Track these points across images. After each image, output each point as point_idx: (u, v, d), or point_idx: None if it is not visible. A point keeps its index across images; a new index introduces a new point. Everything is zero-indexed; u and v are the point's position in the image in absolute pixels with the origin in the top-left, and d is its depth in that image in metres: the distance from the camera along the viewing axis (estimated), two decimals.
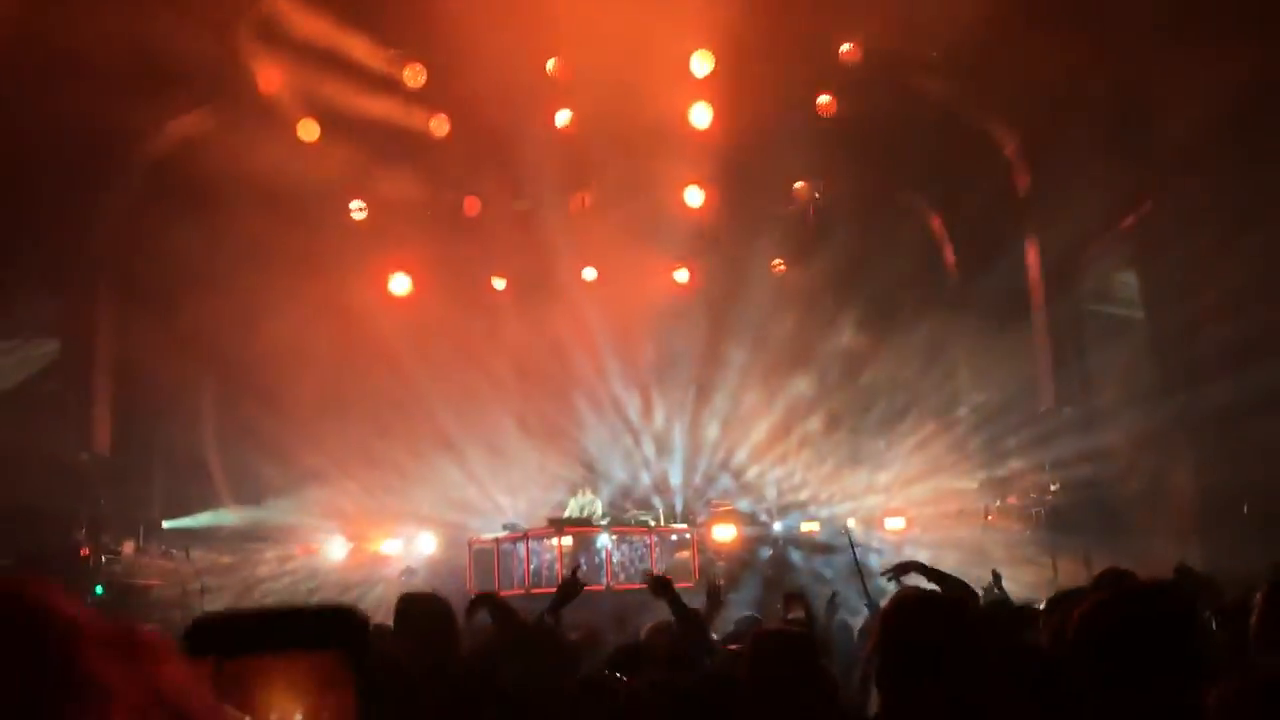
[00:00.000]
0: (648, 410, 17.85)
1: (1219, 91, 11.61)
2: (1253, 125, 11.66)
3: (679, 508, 17.23)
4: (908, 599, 3.14)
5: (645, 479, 17.64)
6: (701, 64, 15.54)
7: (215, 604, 15.19)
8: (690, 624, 4.97)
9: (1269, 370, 10.97)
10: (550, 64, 15.64)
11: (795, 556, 16.21)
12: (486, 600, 5.32)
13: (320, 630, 1.23)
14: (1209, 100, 11.74)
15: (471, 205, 17.39)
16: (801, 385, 17.48)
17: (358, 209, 17.11)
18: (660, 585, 5.18)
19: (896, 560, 6.05)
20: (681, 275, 18.24)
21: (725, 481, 17.79)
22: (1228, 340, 12.12)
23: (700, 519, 16.85)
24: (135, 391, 16.14)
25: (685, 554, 15.59)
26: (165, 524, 16.47)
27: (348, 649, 1.21)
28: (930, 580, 5.49)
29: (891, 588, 4.98)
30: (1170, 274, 13.22)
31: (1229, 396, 11.73)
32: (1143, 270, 14.36)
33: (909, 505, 16.43)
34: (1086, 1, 12.94)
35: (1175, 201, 13.12)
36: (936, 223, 17.72)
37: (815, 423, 17.62)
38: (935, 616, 2.89)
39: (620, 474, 17.64)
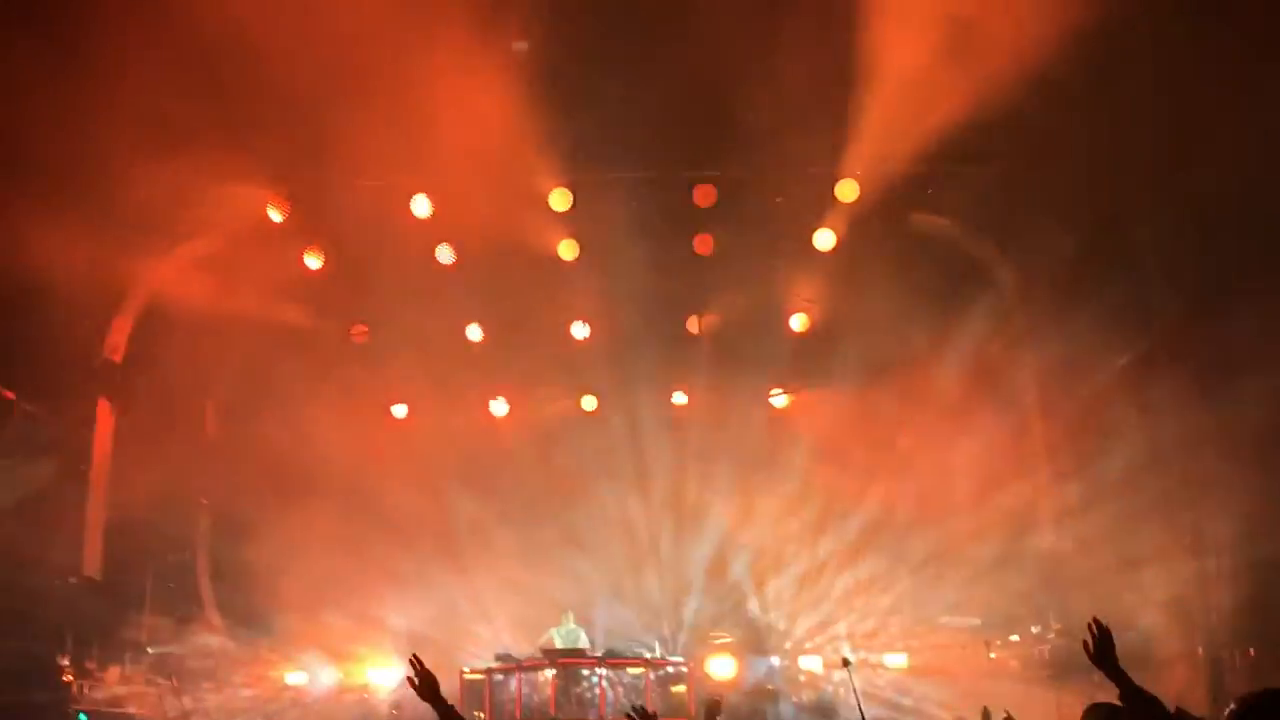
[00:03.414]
0: (670, 537, 17.51)
1: (1213, 233, 11.73)
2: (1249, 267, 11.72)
3: (682, 638, 16.83)
4: None
5: (655, 607, 17.22)
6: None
7: None
8: None
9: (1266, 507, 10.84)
10: (553, 196, 15.87)
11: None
12: None
13: None
14: (1204, 243, 11.85)
15: (473, 331, 17.46)
16: (807, 519, 17.18)
17: (359, 333, 17.21)
18: None
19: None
20: (680, 398, 18.10)
21: (749, 609, 17.36)
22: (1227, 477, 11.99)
23: (699, 651, 16.47)
24: (129, 514, 16.00)
25: (681, 688, 15.17)
26: (151, 649, 16.19)
27: None
28: None
29: None
30: (1166, 409, 13.13)
31: (1229, 538, 11.57)
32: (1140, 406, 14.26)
33: (910, 641, 16.07)
34: (1078, 139, 13.13)
35: (1171, 342, 13.13)
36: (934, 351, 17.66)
37: (822, 557, 17.28)
38: None
39: (630, 602, 17.25)
